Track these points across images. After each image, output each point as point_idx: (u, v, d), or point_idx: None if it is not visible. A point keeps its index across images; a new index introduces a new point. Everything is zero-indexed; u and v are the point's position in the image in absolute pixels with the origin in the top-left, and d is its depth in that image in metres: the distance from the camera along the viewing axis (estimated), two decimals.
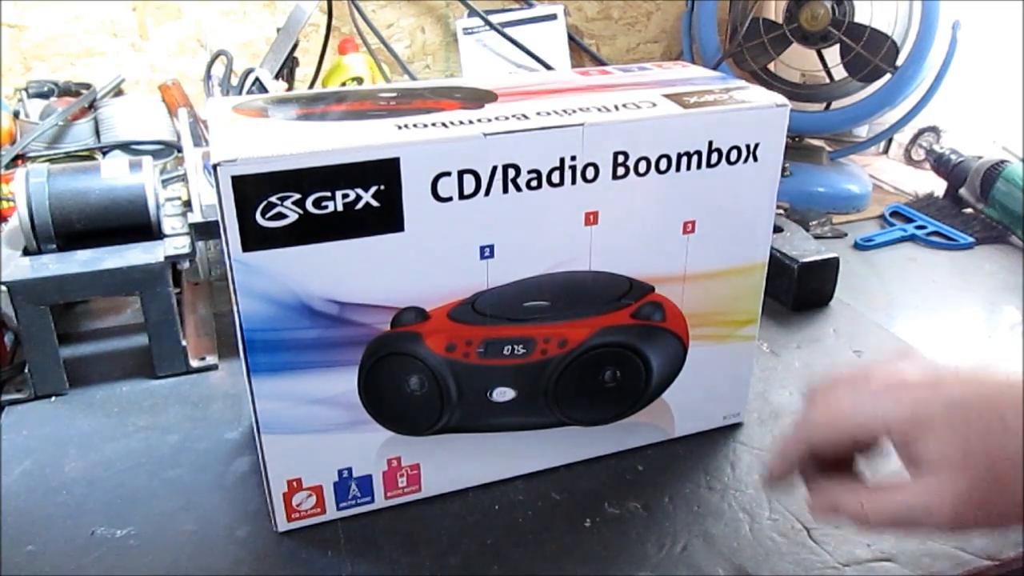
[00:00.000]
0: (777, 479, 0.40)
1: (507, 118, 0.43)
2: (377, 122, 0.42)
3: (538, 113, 0.44)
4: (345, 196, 0.40)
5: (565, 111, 0.44)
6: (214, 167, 0.37)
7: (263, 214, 0.39)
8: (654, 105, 0.46)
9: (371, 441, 0.47)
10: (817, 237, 0.84)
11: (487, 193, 0.42)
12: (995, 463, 0.34)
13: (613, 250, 0.47)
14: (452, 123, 0.42)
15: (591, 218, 0.45)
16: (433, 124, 0.42)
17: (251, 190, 0.38)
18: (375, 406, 0.46)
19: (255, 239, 0.39)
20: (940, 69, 0.91)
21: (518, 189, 0.43)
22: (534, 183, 0.43)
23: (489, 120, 0.42)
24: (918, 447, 0.35)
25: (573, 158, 0.43)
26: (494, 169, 0.42)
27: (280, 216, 0.39)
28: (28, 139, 0.86)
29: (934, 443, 0.34)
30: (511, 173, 0.42)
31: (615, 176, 0.45)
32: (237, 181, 0.38)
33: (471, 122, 0.42)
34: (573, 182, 0.44)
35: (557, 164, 0.43)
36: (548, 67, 1.02)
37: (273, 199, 0.38)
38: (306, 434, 0.45)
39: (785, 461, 0.40)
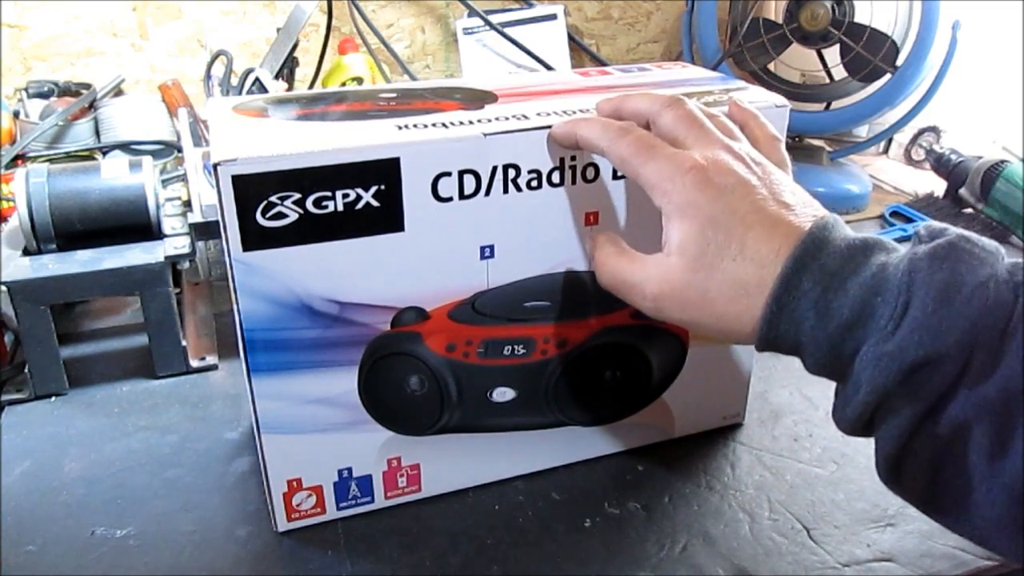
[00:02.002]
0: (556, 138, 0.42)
1: (507, 118, 0.43)
2: (377, 122, 0.42)
3: (538, 114, 0.44)
4: (345, 196, 0.40)
5: (565, 112, 0.44)
6: (214, 167, 0.37)
7: (263, 214, 0.39)
8: None
9: (371, 441, 0.47)
10: None
11: (487, 193, 0.42)
12: (715, 280, 0.35)
13: None
14: (452, 123, 0.42)
15: (591, 218, 0.45)
16: (433, 124, 0.42)
17: (251, 190, 0.38)
18: (375, 406, 0.46)
19: (255, 239, 0.39)
20: (940, 69, 0.91)
21: (518, 189, 0.43)
22: (534, 183, 0.43)
23: (489, 120, 0.42)
24: (670, 229, 0.37)
25: (573, 158, 0.43)
26: (494, 169, 0.42)
27: (280, 216, 0.39)
28: (28, 139, 0.86)
29: (678, 232, 0.36)
30: (511, 173, 0.42)
31: (615, 176, 0.45)
32: (237, 181, 0.38)
33: (471, 122, 0.42)
34: (573, 182, 0.44)
35: (557, 164, 0.43)
36: (548, 67, 1.02)
37: (273, 199, 0.38)
38: (306, 434, 0.45)
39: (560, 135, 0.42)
